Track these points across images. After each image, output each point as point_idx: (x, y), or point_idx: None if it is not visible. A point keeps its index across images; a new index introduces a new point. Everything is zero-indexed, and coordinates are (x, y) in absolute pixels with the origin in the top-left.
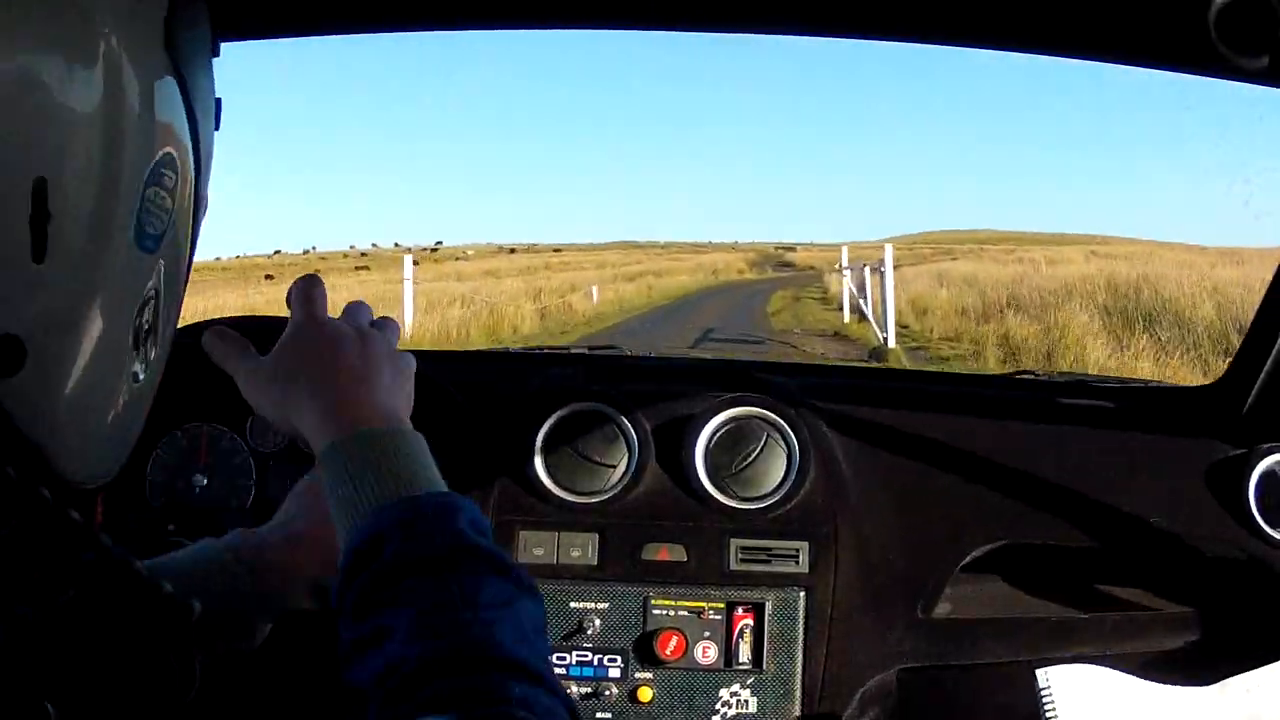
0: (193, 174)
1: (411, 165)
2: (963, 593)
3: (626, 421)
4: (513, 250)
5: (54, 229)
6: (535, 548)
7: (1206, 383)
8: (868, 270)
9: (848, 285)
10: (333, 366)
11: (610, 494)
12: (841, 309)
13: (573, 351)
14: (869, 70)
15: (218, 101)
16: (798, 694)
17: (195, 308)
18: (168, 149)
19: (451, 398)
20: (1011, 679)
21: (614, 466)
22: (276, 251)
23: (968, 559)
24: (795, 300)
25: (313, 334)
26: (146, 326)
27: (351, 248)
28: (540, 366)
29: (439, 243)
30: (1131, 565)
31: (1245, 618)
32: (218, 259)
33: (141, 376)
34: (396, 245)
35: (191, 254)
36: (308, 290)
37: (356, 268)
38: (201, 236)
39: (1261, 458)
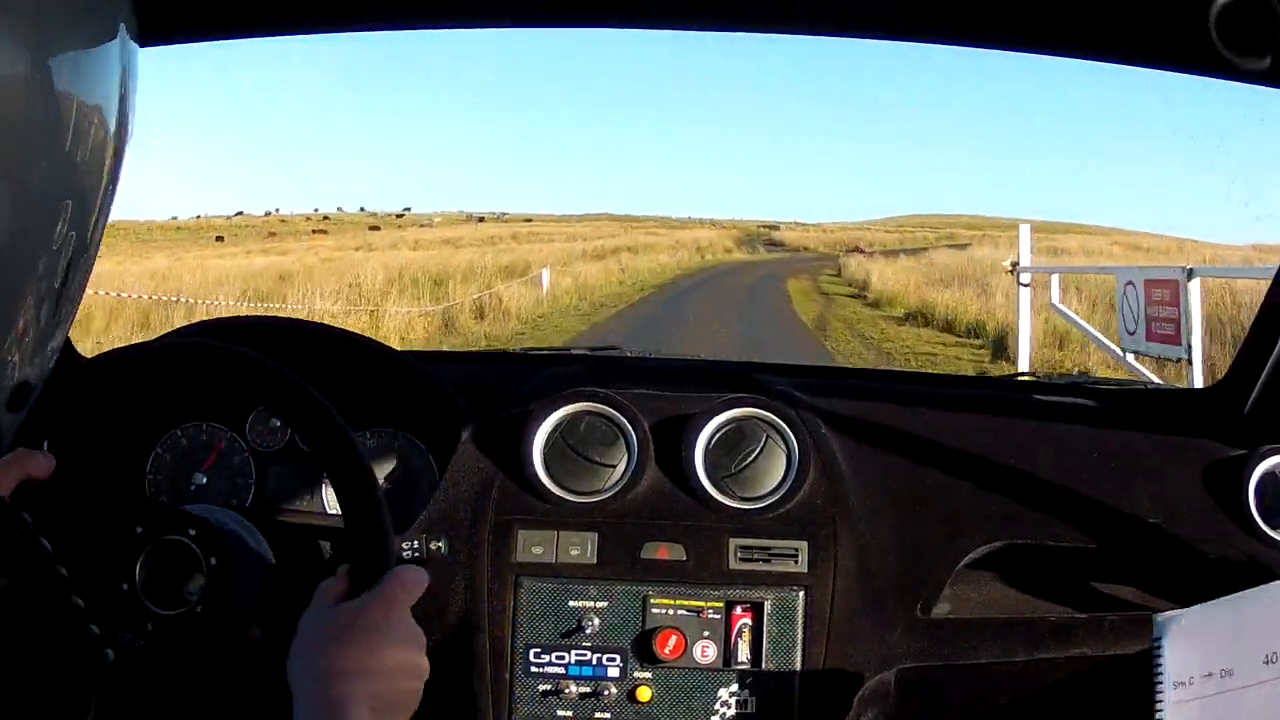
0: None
1: (390, 130)
2: (962, 593)
3: (626, 421)
4: (481, 219)
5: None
6: (534, 547)
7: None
8: (1193, 284)
9: (1027, 298)
10: (357, 690)
11: (609, 493)
12: (926, 322)
13: (573, 351)
14: (852, 47)
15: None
16: (796, 694)
17: (132, 270)
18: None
19: (451, 399)
20: (1011, 679)
21: (613, 466)
22: (239, 213)
23: (967, 559)
24: (823, 296)
25: (366, 644)
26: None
27: (315, 211)
28: (540, 366)
29: (407, 209)
30: (1131, 566)
31: None
32: (173, 218)
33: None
34: (362, 210)
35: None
36: (399, 588)
37: (314, 231)
38: (162, 194)
39: (1261, 459)
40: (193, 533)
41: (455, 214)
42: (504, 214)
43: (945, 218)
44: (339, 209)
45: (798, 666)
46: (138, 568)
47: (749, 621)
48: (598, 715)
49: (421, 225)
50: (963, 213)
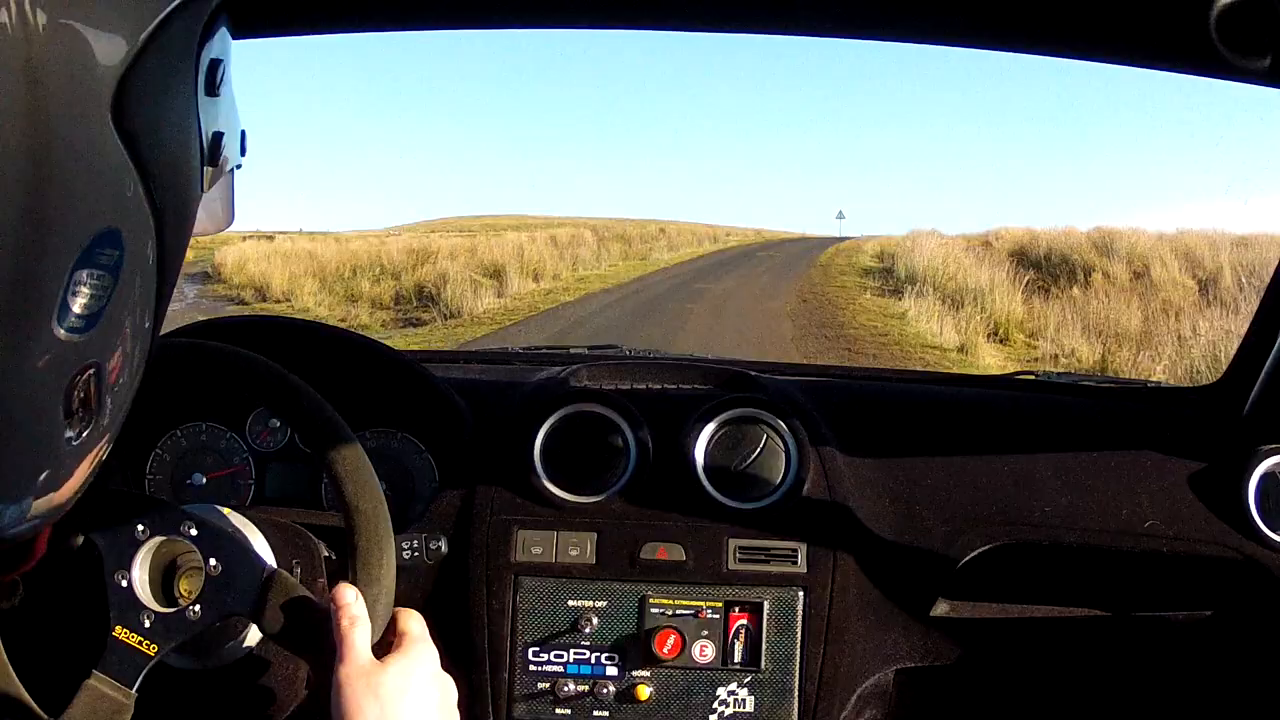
0: (153, 232)
1: None
2: (960, 593)
3: (626, 421)
4: None
5: None
6: (534, 547)
7: (1207, 383)
8: None
9: None
10: None
11: (609, 494)
12: None
13: (572, 351)
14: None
15: (217, 135)
16: (795, 693)
17: None
18: (105, 224)
19: (451, 399)
20: (1010, 678)
21: (614, 466)
22: None
23: (966, 559)
24: None
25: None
26: (82, 396)
27: None
28: (540, 366)
29: None
30: (1130, 566)
31: (1243, 620)
32: None
33: (77, 441)
34: None
35: (161, 305)
36: (349, 632)
37: None
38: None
39: (1262, 459)
40: (194, 533)
41: None
42: None
43: (477, 219)
44: None
45: (797, 666)
46: (136, 564)
47: (747, 622)
48: (596, 714)
49: None
50: (491, 213)
